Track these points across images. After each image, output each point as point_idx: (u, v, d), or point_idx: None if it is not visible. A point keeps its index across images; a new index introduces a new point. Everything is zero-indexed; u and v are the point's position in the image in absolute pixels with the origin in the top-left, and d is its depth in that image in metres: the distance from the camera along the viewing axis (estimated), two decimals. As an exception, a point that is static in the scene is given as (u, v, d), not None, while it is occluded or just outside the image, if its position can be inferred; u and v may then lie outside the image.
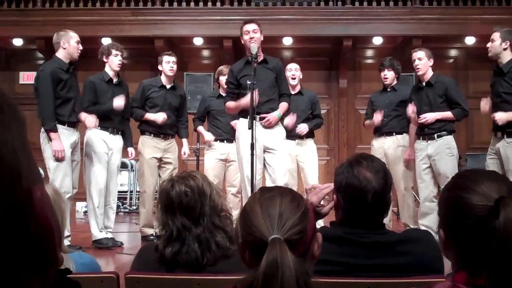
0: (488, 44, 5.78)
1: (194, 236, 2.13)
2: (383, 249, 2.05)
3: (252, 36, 5.56)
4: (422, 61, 6.28)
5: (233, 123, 6.43)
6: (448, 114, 6.13)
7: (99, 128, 6.24)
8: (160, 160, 6.78)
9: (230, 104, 5.71)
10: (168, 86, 6.87)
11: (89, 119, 6.02)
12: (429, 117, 6.13)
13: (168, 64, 6.80)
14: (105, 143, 6.29)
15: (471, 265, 1.35)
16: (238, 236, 1.40)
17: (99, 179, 6.25)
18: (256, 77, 5.24)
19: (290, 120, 6.46)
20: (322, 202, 2.36)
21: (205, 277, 2.03)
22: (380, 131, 6.83)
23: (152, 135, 6.72)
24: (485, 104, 5.79)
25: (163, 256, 2.15)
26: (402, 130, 6.72)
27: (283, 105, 5.68)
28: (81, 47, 6.14)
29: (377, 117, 6.71)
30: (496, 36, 5.71)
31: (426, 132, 6.25)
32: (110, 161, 6.36)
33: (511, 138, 5.55)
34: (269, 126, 5.51)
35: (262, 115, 5.49)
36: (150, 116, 6.66)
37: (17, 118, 0.69)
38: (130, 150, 6.64)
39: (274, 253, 1.24)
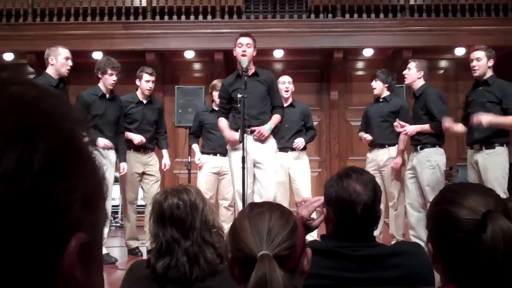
0: (474, 63, 5.80)
1: (183, 249, 2.13)
2: (374, 262, 2.05)
3: (245, 49, 5.57)
4: (410, 71, 6.36)
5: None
6: (426, 126, 6.14)
7: None
8: (142, 174, 6.82)
9: (221, 123, 5.73)
10: (145, 101, 6.92)
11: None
12: (409, 129, 6.18)
13: (147, 83, 6.84)
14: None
15: (459, 278, 1.36)
16: (227, 251, 1.40)
17: None
18: (246, 90, 5.24)
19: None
20: (313, 215, 2.36)
21: (196, 293, 2.03)
22: (374, 143, 6.87)
23: (132, 149, 6.76)
24: (450, 123, 5.87)
25: (155, 270, 2.15)
26: (394, 141, 6.73)
27: (276, 118, 5.67)
28: (70, 63, 6.10)
29: (367, 137, 6.86)
30: (482, 55, 5.75)
31: (412, 143, 6.34)
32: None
33: (490, 149, 5.63)
34: (261, 138, 5.51)
35: (252, 128, 5.49)
36: (128, 135, 6.72)
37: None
38: (123, 165, 6.61)
39: (263, 269, 1.24)
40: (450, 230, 1.39)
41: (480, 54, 5.77)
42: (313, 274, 1.96)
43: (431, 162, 6.12)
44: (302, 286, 1.39)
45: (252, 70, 5.67)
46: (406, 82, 6.45)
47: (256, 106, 5.56)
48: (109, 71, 6.40)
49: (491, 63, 5.76)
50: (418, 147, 6.20)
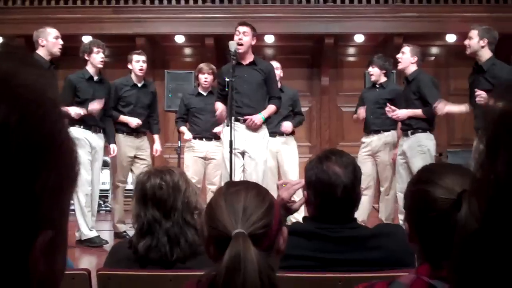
0: (466, 42, 5.78)
1: (163, 229, 2.14)
2: (354, 243, 2.06)
3: (241, 37, 5.60)
4: (404, 55, 6.31)
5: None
6: (418, 111, 6.13)
7: (81, 127, 6.18)
8: (134, 157, 6.83)
9: (217, 105, 5.72)
10: (139, 85, 6.90)
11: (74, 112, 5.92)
12: (400, 113, 6.17)
13: (138, 63, 6.81)
14: (88, 142, 6.24)
15: (434, 258, 1.36)
16: (203, 230, 1.40)
17: (84, 178, 6.19)
18: (242, 78, 5.26)
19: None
20: (295, 198, 2.37)
21: (177, 273, 2.03)
22: (369, 128, 6.86)
23: (125, 133, 6.76)
24: (444, 105, 5.87)
25: (137, 251, 2.15)
26: (389, 127, 6.72)
27: (271, 108, 5.69)
28: (61, 42, 6.06)
29: (361, 113, 6.77)
30: (474, 33, 5.71)
31: (402, 129, 6.33)
32: (93, 160, 6.32)
33: None
34: (253, 127, 5.51)
35: (245, 117, 5.49)
36: (124, 118, 6.70)
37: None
38: (112, 146, 6.60)
39: (237, 247, 1.24)
40: (425, 209, 1.39)
41: (471, 32, 5.75)
42: (294, 255, 1.98)
43: (422, 148, 6.13)
44: (277, 265, 1.39)
45: (250, 59, 5.69)
46: (399, 67, 6.42)
47: (251, 95, 5.56)
48: (95, 49, 6.35)
49: (484, 42, 5.66)
50: (409, 132, 6.20)
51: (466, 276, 0.58)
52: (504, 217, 0.53)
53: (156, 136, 7.10)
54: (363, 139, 6.97)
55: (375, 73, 6.85)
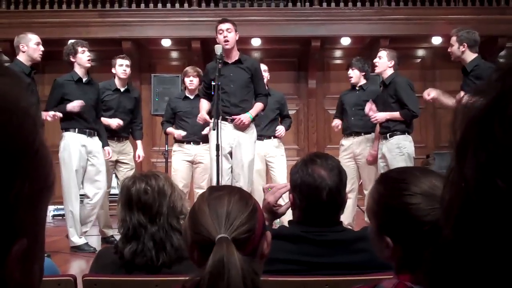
0: (449, 49, 5.85)
1: (149, 234, 2.14)
2: (340, 247, 2.06)
3: (226, 35, 5.57)
4: (381, 60, 6.37)
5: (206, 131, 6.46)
6: (396, 114, 6.18)
7: (76, 131, 6.14)
8: (116, 162, 6.78)
9: (202, 103, 5.75)
10: (122, 89, 6.86)
11: (49, 115, 5.90)
12: (379, 116, 6.22)
13: (121, 67, 6.78)
14: (84, 146, 6.19)
15: (415, 265, 1.34)
16: (187, 235, 1.40)
17: (73, 184, 6.14)
18: (229, 77, 5.25)
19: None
20: (281, 201, 2.37)
21: (163, 278, 2.03)
22: (349, 130, 6.87)
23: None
24: (434, 90, 5.93)
25: (122, 256, 2.15)
26: (370, 129, 6.76)
27: (258, 106, 5.68)
28: (42, 48, 6.00)
29: (337, 124, 6.87)
30: (453, 40, 5.74)
31: (381, 131, 6.36)
32: (95, 164, 6.25)
33: None
34: (242, 126, 5.50)
35: (233, 117, 5.48)
36: (104, 120, 6.61)
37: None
38: (107, 149, 6.53)
39: (220, 253, 1.24)
40: (416, 224, 1.33)
41: (452, 39, 5.79)
42: (280, 259, 1.98)
43: (401, 149, 6.16)
44: (261, 270, 1.39)
45: (235, 57, 5.68)
46: (376, 71, 6.49)
47: (238, 94, 5.55)
48: (80, 49, 6.26)
49: (463, 47, 5.68)
50: (388, 134, 6.24)
51: (439, 283, 0.58)
52: (472, 224, 0.52)
53: (139, 142, 7.06)
54: (343, 141, 6.97)
55: (354, 75, 6.89)
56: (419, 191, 1.35)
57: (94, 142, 6.31)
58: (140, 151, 7.02)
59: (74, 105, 6.05)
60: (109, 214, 6.76)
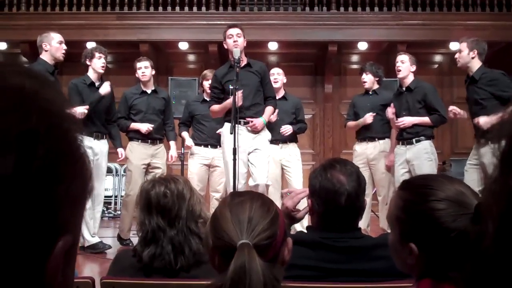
0: (456, 55, 5.86)
1: (168, 238, 2.14)
2: (358, 253, 2.06)
3: (236, 40, 5.60)
4: (404, 64, 6.31)
5: (219, 131, 6.42)
6: (425, 119, 6.14)
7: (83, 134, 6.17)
8: (148, 165, 6.73)
9: (215, 107, 5.72)
10: (148, 91, 6.86)
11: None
12: (407, 121, 6.16)
13: (140, 70, 6.78)
14: (91, 149, 6.23)
15: (438, 271, 1.34)
16: (208, 241, 1.40)
17: None
18: (239, 81, 5.25)
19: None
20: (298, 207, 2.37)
21: (181, 282, 2.03)
22: (363, 135, 6.83)
23: (139, 141, 6.69)
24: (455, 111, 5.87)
25: (141, 259, 2.16)
26: (384, 135, 6.72)
27: (268, 110, 5.69)
28: (65, 47, 6.08)
29: (367, 118, 6.70)
30: (463, 46, 5.77)
31: (405, 136, 6.25)
32: (96, 167, 6.30)
33: None
34: (255, 130, 5.52)
35: (247, 119, 5.50)
36: (135, 125, 6.65)
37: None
38: (120, 150, 6.59)
39: (242, 258, 1.24)
40: (441, 230, 1.32)
41: (461, 45, 5.79)
42: (298, 265, 1.98)
43: (429, 155, 6.13)
44: (282, 276, 1.39)
45: (244, 61, 5.69)
46: (399, 75, 6.38)
47: (250, 98, 5.56)
48: (97, 54, 6.39)
49: (473, 54, 5.70)
50: (414, 139, 6.18)
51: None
52: None
53: (172, 143, 7.01)
54: (356, 147, 6.92)
55: (369, 80, 6.86)
56: (445, 196, 1.34)
57: (101, 144, 6.39)
58: (173, 152, 6.99)
59: (77, 113, 6.09)
60: (132, 217, 6.71)
